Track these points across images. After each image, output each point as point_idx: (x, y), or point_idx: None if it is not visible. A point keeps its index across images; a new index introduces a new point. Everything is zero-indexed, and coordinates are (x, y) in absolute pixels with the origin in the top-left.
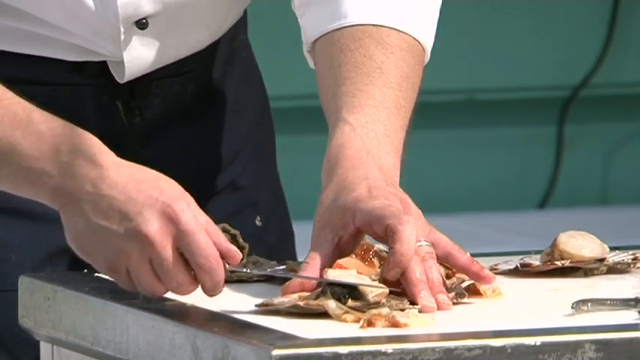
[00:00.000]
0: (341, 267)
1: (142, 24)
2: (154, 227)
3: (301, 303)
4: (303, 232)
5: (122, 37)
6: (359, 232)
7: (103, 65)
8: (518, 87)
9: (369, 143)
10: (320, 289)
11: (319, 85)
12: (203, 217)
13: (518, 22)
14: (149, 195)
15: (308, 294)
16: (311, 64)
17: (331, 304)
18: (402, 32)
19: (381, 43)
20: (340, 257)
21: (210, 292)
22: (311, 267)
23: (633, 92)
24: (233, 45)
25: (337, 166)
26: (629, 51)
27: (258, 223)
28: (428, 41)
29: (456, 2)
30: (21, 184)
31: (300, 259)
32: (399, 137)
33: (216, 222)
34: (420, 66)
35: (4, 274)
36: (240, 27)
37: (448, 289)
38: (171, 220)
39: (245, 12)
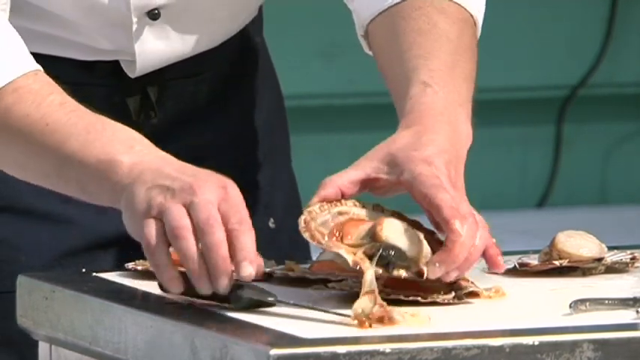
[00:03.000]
0: (332, 265)
1: (153, 14)
2: (210, 190)
3: (348, 256)
4: None
5: (134, 27)
6: (398, 184)
7: (114, 65)
8: (517, 87)
9: (449, 110)
10: (375, 249)
11: (380, 55)
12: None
13: (516, 21)
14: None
15: (363, 244)
16: (365, 48)
17: (368, 275)
18: (459, 5)
19: (443, 12)
20: (367, 189)
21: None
22: (330, 183)
23: (631, 92)
24: (248, 47)
25: (419, 121)
26: (628, 51)
27: (271, 225)
28: (479, 16)
29: None
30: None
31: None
32: (468, 105)
33: None
34: (476, 40)
35: (15, 275)
36: (255, 29)
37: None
38: (224, 189)
39: (261, 13)
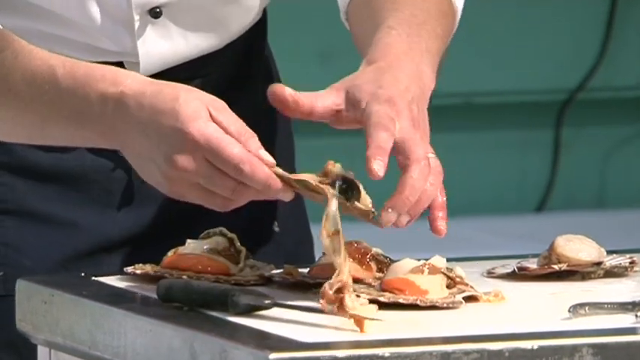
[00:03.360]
0: (332, 269)
1: (155, 12)
2: (181, 162)
3: (311, 181)
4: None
5: (136, 25)
6: (358, 122)
7: (119, 66)
8: (516, 90)
9: (413, 51)
10: (332, 179)
11: (354, 22)
12: (230, 119)
13: (515, 25)
14: (168, 126)
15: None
16: (349, 29)
17: (333, 206)
18: None
19: None
20: (327, 119)
21: (262, 190)
22: (307, 97)
23: (630, 95)
24: (253, 49)
25: (382, 58)
26: (626, 54)
27: (275, 228)
28: (459, 6)
29: None
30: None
31: None
32: (435, 58)
33: (231, 228)
34: (454, 22)
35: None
36: (260, 31)
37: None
38: (192, 143)
39: (265, 16)
